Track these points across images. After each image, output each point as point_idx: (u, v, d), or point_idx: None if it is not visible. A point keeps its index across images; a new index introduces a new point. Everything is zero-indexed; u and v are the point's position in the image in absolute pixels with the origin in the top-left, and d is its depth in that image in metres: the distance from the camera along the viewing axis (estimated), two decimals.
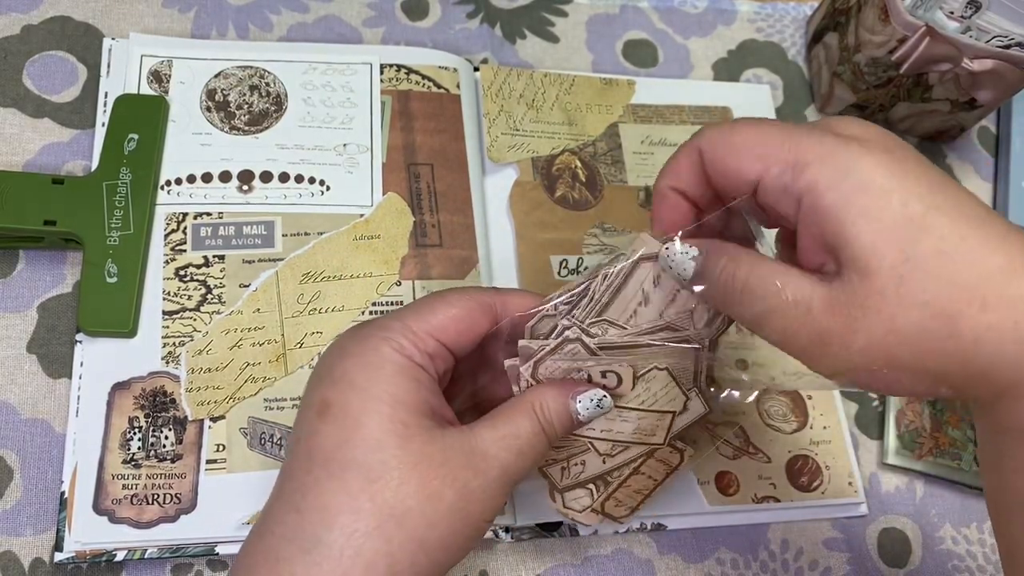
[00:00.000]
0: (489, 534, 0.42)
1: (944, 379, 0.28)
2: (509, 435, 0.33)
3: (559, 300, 0.35)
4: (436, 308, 0.34)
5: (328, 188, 0.47)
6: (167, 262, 0.44)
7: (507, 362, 0.35)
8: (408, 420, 0.31)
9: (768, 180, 0.30)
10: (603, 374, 0.35)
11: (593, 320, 0.35)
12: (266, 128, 0.48)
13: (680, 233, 0.33)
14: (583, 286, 0.35)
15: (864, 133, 0.30)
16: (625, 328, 0.35)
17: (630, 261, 0.35)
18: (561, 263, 0.48)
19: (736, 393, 0.38)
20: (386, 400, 0.31)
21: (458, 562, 0.32)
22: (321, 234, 0.46)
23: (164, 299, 0.43)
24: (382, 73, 0.50)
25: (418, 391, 0.32)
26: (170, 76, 0.48)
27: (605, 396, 0.34)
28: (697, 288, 0.32)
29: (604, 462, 0.37)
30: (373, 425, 0.31)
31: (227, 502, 0.40)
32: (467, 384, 0.38)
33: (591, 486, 0.38)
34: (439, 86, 0.51)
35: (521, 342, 0.35)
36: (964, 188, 0.29)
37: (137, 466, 0.40)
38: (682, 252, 0.32)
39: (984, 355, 0.27)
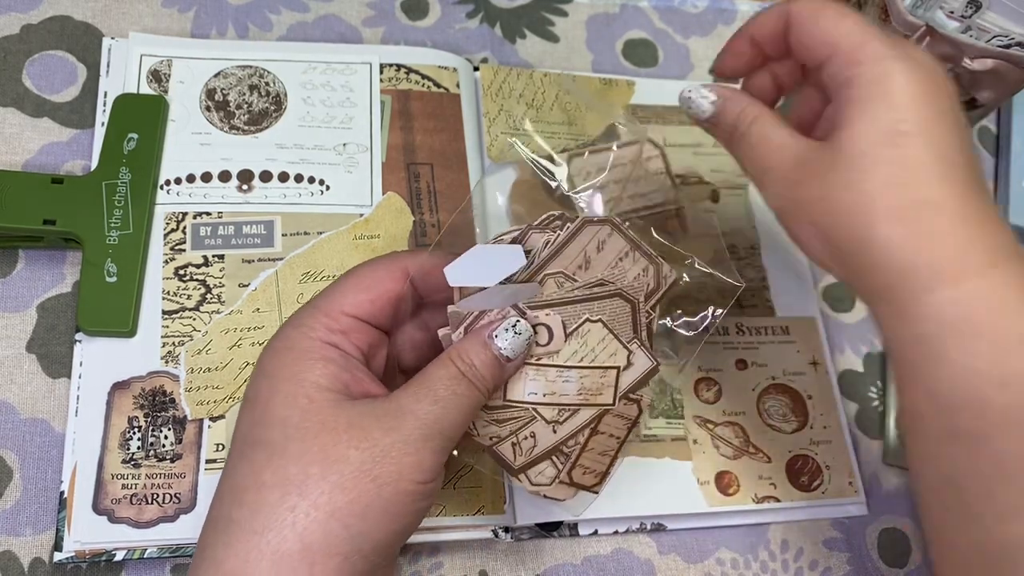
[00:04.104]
0: (488, 534, 0.42)
1: (842, 263, 0.33)
2: (423, 386, 0.32)
3: None
4: (345, 286, 0.35)
5: (328, 188, 0.47)
6: (166, 262, 0.44)
7: (440, 331, 0.35)
8: (314, 396, 0.31)
9: (829, 65, 0.34)
10: (533, 329, 0.35)
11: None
12: (265, 128, 0.48)
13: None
14: (509, 245, 0.35)
15: (926, 60, 0.33)
16: (559, 288, 0.35)
17: (575, 224, 0.35)
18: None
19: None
20: (291, 380, 0.32)
21: (397, 532, 0.31)
22: (321, 233, 0.46)
23: (163, 299, 0.43)
24: (382, 73, 0.50)
25: (326, 368, 0.32)
26: (169, 76, 0.48)
27: (518, 320, 0.34)
28: (708, 124, 0.38)
29: (554, 430, 0.36)
30: (278, 405, 0.31)
31: None
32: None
33: (552, 459, 0.37)
34: (439, 86, 0.51)
35: (450, 308, 0.35)
36: (971, 154, 0.32)
37: (136, 466, 0.40)
38: (703, 95, 0.37)
39: (885, 260, 0.31)
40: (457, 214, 0.45)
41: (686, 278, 0.38)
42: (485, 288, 0.34)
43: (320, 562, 0.29)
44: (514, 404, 0.35)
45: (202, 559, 0.30)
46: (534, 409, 0.36)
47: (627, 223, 0.37)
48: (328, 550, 0.29)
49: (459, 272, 0.35)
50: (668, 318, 0.39)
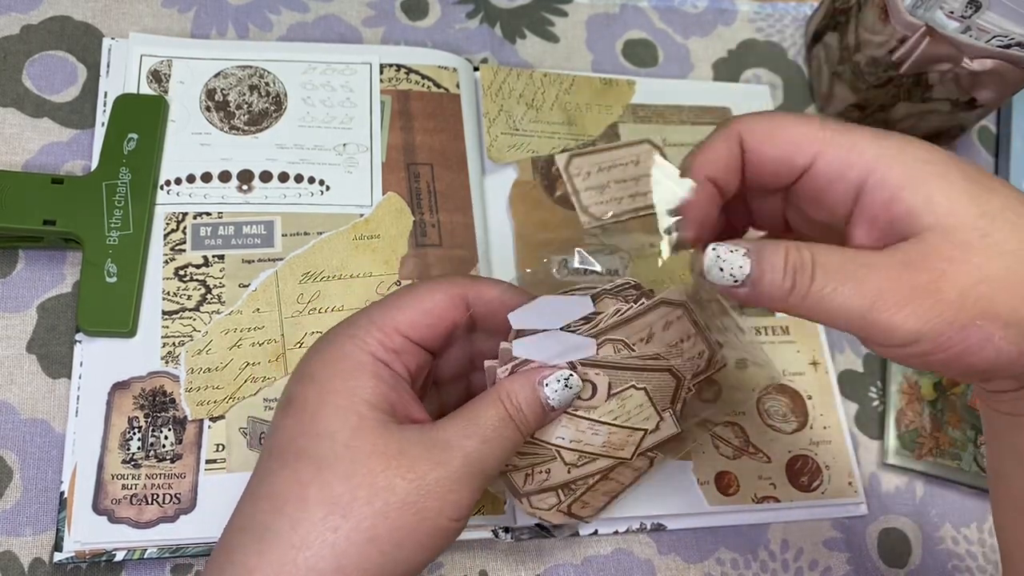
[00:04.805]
0: (488, 534, 0.42)
1: None
2: (472, 424, 0.32)
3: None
4: (404, 304, 0.34)
5: (328, 188, 0.47)
6: (167, 262, 0.44)
7: (487, 362, 0.35)
8: (364, 413, 0.31)
9: (824, 163, 0.30)
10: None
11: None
12: (266, 128, 0.48)
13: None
14: (579, 297, 0.35)
15: (900, 135, 0.31)
16: (615, 355, 0.35)
17: (652, 301, 0.35)
18: (561, 263, 0.48)
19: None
20: (342, 393, 0.31)
21: (423, 564, 0.31)
22: (321, 234, 0.45)
23: (164, 299, 0.43)
24: (382, 73, 0.50)
25: (377, 387, 0.32)
26: (170, 76, 0.48)
27: (571, 375, 0.33)
28: (747, 290, 0.30)
29: (569, 472, 0.36)
30: (327, 417, 0.31)
31: (227, 502, 0.39)
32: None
33: (558, 491, 0.37)
34: (439, 86, 0.51)
35: (502, 344, 0.35)
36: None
37: (137, 466, 0.40)
38: (731, 250, 0.29)
39: None
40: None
41: (729, 358, 0.38)
42: (543, 333, 0.34)
43: None
44: (540, 443, 0.36)
45: (230, 563, 0.30)
46: (557, 450, 0.36)
47: (698, 304, 0.37)
48: (361, 574, 0.29)
49: (523, 318, 0.34)
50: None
